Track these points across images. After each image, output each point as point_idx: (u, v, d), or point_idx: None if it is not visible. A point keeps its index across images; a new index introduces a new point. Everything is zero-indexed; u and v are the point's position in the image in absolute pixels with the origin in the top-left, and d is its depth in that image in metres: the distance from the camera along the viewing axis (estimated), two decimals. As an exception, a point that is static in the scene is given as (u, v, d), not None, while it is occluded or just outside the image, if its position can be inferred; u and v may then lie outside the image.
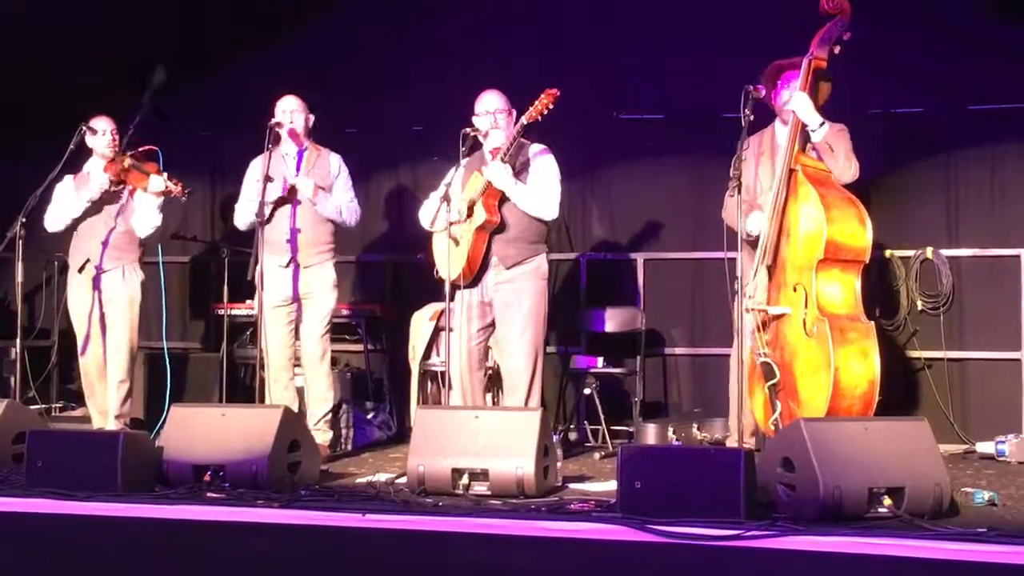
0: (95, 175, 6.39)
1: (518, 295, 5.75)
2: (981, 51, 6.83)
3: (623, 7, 7.41)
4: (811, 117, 5.49)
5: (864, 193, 6.10)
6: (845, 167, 5.53)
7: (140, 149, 6.36)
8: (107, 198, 6.35)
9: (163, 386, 6.54)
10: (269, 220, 6.00)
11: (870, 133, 6.77)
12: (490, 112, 5.85)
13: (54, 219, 6.46)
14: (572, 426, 6.94)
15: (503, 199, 5.73)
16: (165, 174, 6.25)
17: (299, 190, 6.06)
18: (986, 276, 6.89)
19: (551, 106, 5.58)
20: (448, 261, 5.57)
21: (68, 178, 6.48)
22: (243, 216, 6.25)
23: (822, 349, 5.17)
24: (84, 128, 6.36)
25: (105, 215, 6.38)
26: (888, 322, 6.77)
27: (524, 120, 5.62)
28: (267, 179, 5.97)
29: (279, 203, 6.08)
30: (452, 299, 5.58)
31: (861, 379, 5.20)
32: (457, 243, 5.68)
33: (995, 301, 6.84)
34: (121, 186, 6.38)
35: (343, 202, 6.18)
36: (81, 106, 6.53)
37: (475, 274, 5.75)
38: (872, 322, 5.37)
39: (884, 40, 6.87)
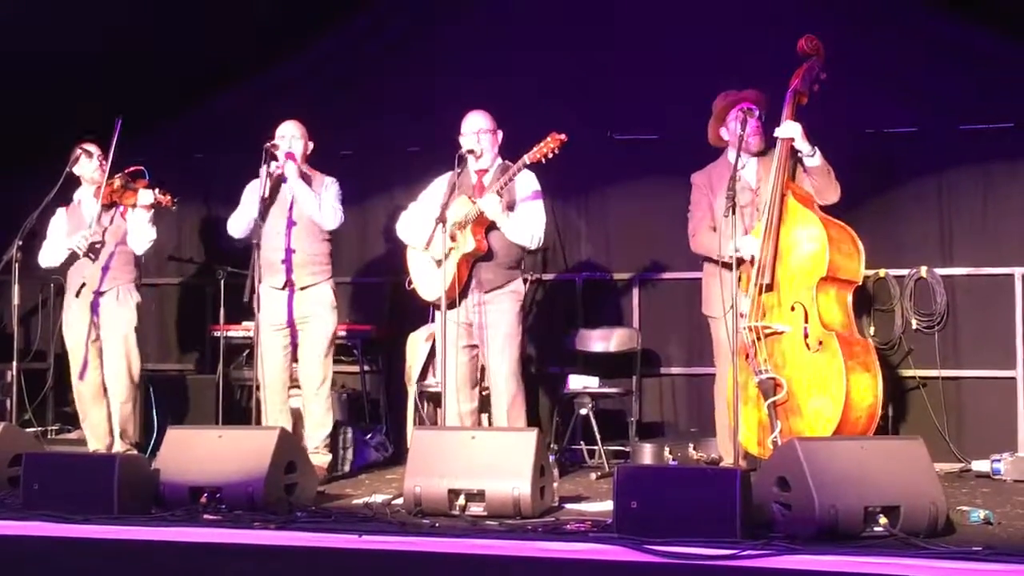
0: (86, 204, 6.41)
1: (497, 316, 5.83)
2: (971, 70, 6.87)
3: (619, 28, 7.45)
4: (805, 143, 5.58)
5: (857, 212, 6.15)
6: (836, 187, 5.68)
7: (128, 170, 6.38)
8: (94, 226, 6.35)
9: (159, 408, 6.51)
10: (264, 217, 5.97)
11: (862, 152, 6.83)
12: (475, 132, 5.88)
13: (46, 258, 6.48)
14: (568, 446, 6.94)
15: (489, 227, 5.78)
16: (156, 188, 6.29)
17: (285, 170, 6.02)
18: (980, 294, 6.90)
19: (556, 151, 5.60)
20: (443, 285, 5.59)
21: (60, 211, 6.52)
22: (237, 223, 6.21)
23: (832, 363, 5.23)
24: (80, 150, 6.38)
25: (100, 240, 6.37)
26: (883, 341, 6.78)
27: (527, 159, 5.64)
28: (263, 200, 5.98)
29: (274, 186, 6.06)
30: (434, 319, 5.63)
31: (868, 393, 5.29)
32: (439, 265, 5.72)
33: (989, 319, 6.85)
34: (114, 208, 6.40)
35: (326, 202, 6.10)
36: (81, 132, 6.55)
37: (455, 296, 5.79)
38: (870, 339, 5.46)
39: (875, 59, 6.92)
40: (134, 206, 6.35)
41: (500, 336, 5.82)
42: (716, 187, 5.77)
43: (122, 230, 6.40)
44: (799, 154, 5.64)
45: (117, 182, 6.34)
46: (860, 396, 5.27)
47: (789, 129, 5.59)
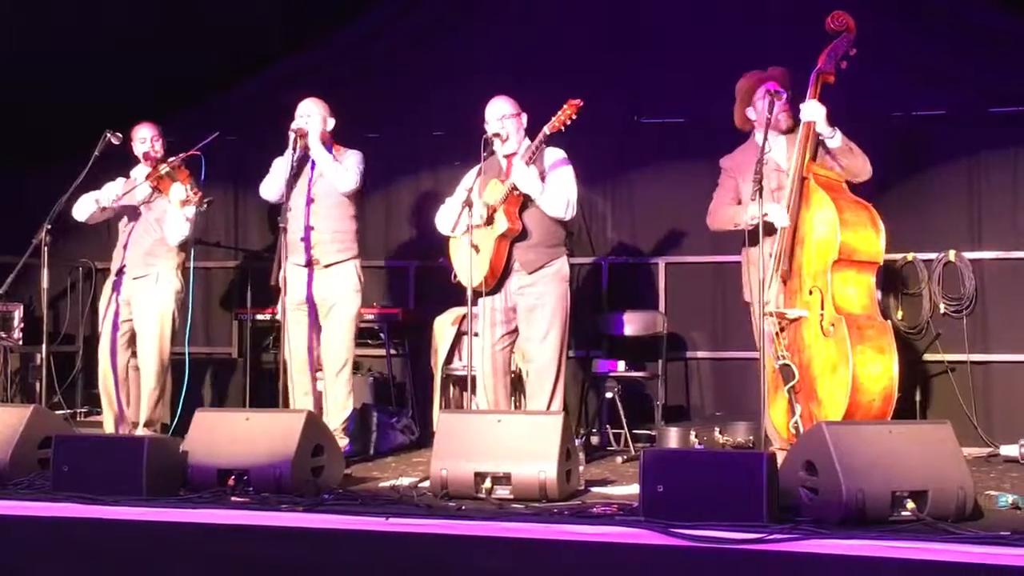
0: (139, 184, 6.42)
1: (541, 298, 5.77)
2: (1002, 52, 6.82)
3: (644, 11, 7.43)
4: (826, 126, 5.51)
5: (885, 196, 6.11)
6: (864, 162, 5.56)
7: (182, 155, 6.31)
8: (142, 208, 6.37)
9: (189, 391, 6.51)
10: (288, 198, 5.96)
11: (892, 136, 6.80)
12: (499, 118, 5.86)
13: (77, 208, 6.41)
14: (594, 430, 6.95)
15: (523, 206, 5.76)
16: (189, 183, 6.22)
17: (308, 139, 6.01)
18: (1009, 278, 6.87)
19: (574, 117, 5.61)
20: (470, 268, 5.58)
21: (120, 180, 6.49)
22: (269, 187, 6.20)
23: (840, 347, 5.19)
24: (108, 135, 6.36)
25: (146, 223, 6.38)
26: (910, 325, 6.75)
27: (547, 130, 5.64)
28: (288, 182, 5.97)
29: (298, 167, 6.05)
30: (474, 304, 5.62)
31: (881, 375, 5.21)
32: (478, 250, 5.69)
33: (1018, 303, 6.82)
34: (160, 193, 6.37)
35: (344, 163, 6.07)
36: (114, 115, 6.54)
37: (497, 280, 5.78)
38: (888, 321, 5.39)
39: (905, 42, 6.88)
40: (168, 199, 6.30)
41: (544, 319, 5.76)
42: (744, 170, 5.71)
43: (165, 215, 6.37)
44: (820, 136, 5.55)
45: (164, 168, 6.29)
46: (871, 380, 5.17)
47: (811, 111, 5.50)
